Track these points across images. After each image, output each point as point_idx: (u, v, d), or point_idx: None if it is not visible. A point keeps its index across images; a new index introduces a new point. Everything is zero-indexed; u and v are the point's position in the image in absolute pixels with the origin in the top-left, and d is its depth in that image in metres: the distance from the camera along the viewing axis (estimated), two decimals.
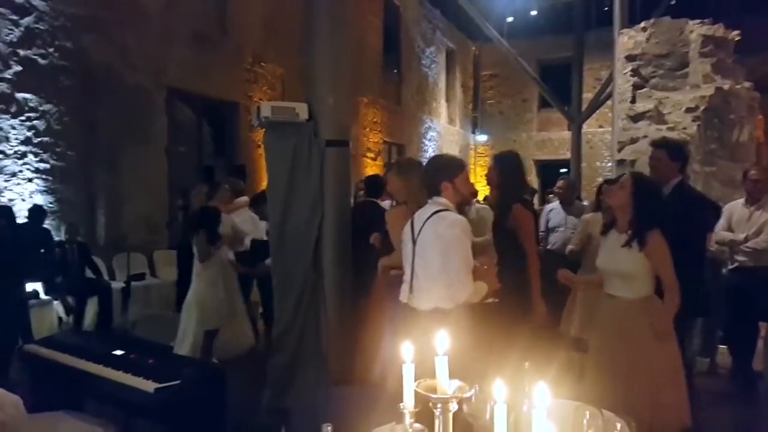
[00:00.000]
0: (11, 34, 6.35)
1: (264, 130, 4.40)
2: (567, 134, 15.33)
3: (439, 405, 1.21)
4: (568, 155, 13.61)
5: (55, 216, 6.63)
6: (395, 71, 15.20)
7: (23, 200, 6.37)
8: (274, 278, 4.34)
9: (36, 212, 5.99)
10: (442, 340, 1.24)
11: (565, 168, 13.60)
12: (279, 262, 4.26)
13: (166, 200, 8.22)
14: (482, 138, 20.41)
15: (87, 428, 2.78)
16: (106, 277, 6.78)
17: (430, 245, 2.87)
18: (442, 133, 18.00)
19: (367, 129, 13.66)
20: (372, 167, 13.18)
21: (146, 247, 7.76)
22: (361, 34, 12.73)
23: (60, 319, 5.75)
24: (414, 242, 2.97)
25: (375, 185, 5.34)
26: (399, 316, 3.10)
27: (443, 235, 2.83)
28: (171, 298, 6.62)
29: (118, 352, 2.99)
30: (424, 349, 1.30)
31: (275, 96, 10.11)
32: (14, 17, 6.38)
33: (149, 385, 2.61)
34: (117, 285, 6.66)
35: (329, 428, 1.47)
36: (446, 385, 1.22)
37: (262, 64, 10.13)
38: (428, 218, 2.91)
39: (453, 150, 17.61)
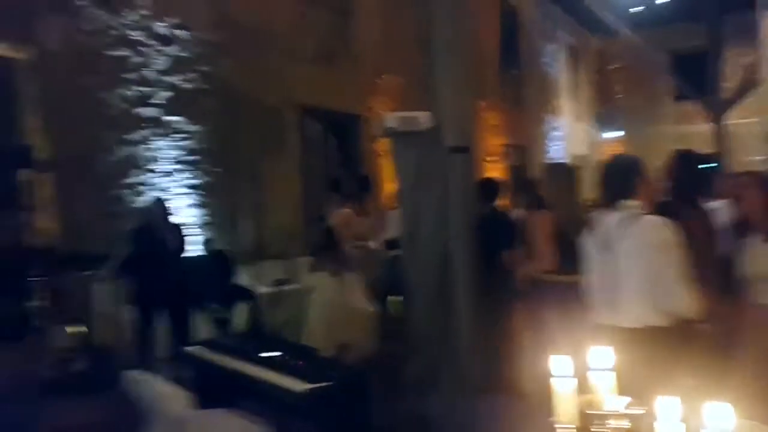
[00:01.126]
0: (159, 62, 7.05)
1: (389, 140, 4.53)
2: (705, 127, 14.19)
3: (610, 421, 1.18)
4: (708, 150, 12.56)
5: (207, 228, 7.27)
6: (514, 72, 14.90)
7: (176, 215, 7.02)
8: (405, 285, 4.43)
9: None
10: (606, 354, 1.22)
11: (706, 164, 12.49)
12: (410, 268, 4.35)
13: (302, 211, 8.68)
14: (613, 134, 19.38)
15: (246, 426, 2.98)
16: (252, 283, 7.24)
17: (636, 254, 2.54)
18: (568, 131, 17.35)
19: (488, 133, 13.50)
20: (493, 171, 12.99)
21: (287, 255, 8.22)
22: (478, 38, 12.63)
23: (216, 323, 6.23)
24: (606, 251, 2.64)
25: (489, 189, 4.93)
26: (564, 326, 2.94)
27: (650, 241, 2.52)
28: None
29: (271, 354, 3.17)
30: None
31: (394, 106, 10.29)
32: (161, 47, 7.07)
33: (302, 386, 2.73)
34: (262, 291, 7.08)
35: None
36: (613, 402, 1.20)
37: (382, 76, 10.38)
38: (623, 224, 2.58)
39: (581, 148, 16.93)
